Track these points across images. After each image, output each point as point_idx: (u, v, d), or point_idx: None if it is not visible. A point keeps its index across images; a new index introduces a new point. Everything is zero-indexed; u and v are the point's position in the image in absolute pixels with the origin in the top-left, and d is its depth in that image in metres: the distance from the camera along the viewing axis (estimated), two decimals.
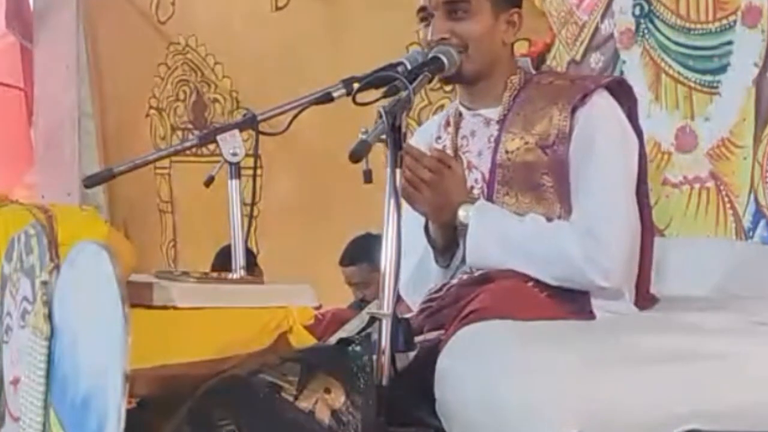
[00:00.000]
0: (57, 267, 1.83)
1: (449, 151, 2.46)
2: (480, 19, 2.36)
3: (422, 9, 2.39)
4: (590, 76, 3.13)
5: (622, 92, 2.38)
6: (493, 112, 2.41)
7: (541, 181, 2.31)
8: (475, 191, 2.39)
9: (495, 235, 2.26)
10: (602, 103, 2.32)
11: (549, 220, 2.28)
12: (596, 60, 3.95)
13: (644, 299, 2.37)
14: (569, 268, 2.22)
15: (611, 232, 2.25)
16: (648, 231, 2.39)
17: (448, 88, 4.22)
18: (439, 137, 2.52)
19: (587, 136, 2.29)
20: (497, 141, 2.37)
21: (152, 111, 6.07)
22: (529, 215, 2.29)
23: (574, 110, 2.30)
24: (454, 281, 2.39)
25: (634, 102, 2.39)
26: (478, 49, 2.36)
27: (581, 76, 2.66)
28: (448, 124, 2.50)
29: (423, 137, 2.57)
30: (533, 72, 2.45)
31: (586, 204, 2.27)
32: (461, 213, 2.29)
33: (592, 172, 2.28)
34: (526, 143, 2.33)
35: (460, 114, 2.47)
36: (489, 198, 2.36)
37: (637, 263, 2.35)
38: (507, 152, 2.35)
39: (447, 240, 2.37)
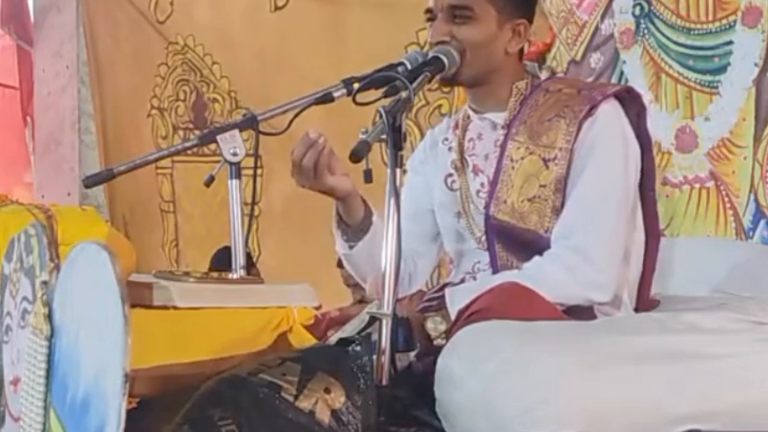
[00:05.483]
0: (57, 267, 1.83)
1: (455, 153, 2.46)
2: (482, 26, 2.35)
3: (429, 10, 2.38)
4: (599, 85, 3.11)
5: (630, 100, 2.36)
6: (500, 117, 2.40)
7: (539, 192, 2.30)
8: (481, 195, 2.39)
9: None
10: (608, 113, 2.30)
11: (536, 237, 2.29)
12: (596, 60, 3.95)
13: (645, 303, 2.38)
14: (566, 297, 2.22)
15: (599, 247, 2.24)
16: (653, 238, 2.38)
17: (446, 89, 4.25)
18: (446, 138, 2.52)
19: (587, 149, 2.28)
20: (503, 146, 2.37)
21: (154, 111, 6.08)
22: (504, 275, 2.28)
23: (580, 124, 2.30)
24: (455, 282, 2.40)
25: (642, 109, 2.38)
26: (475, 56, 2.34)
27: (590, 85, 2.64)
28: (456, 126, 2.50)
29: (432, 138, 2.58)
30: (541, 77, 2.44)
31: (575, 217, 2.26)
32: (430, 325, 2.26)
33: (585, 186, 2.26)
34: (531, 153, 2.32)
35: (468, 116, 2.47)
36: (490, 201, 2.35)
37: (638, 270, 2.35)
38: (512, 160, 2.35)
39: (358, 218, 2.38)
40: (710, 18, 3.58)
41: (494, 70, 2.39)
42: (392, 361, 2.03)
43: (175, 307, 2.15)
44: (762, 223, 3.41)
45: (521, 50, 2.43)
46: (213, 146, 2.41)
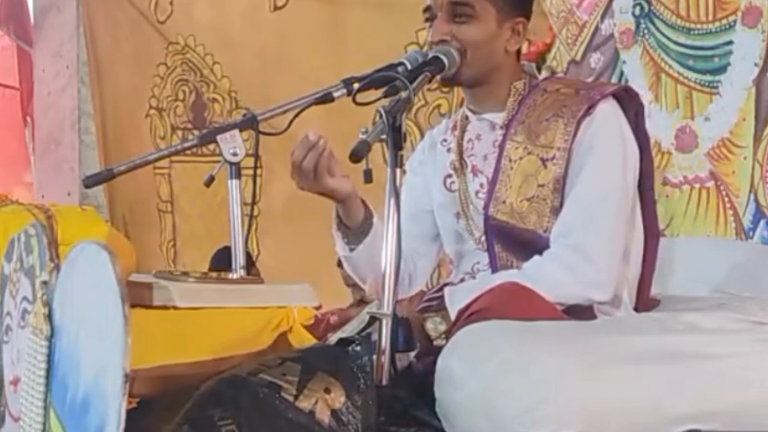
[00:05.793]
0: (57, 267, 1.83)
1: (453, 154, 2.46)
2: (482, 25, 2.34)
3: (427, 9, 2.38)
4: (597, 84, 3.10)
5: (628, 99, 2.36)
6: (498, 117, 2.40)
7: (537, 192, 2.30)
8: (480, 195, 2.39)
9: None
10: (606, 113, 2.30)
11: (536, 236, 2.29)
12: (596, 60, 3.95)
13: (645, 303, 2.38)
14: (566, 296, 2.22)
15: (598, 246, 2.24)
16: (653, 237, 2.38)
17: (445, 89, 4.25)
18: (444, 140, 2.52)
19: (585, 148, 2.28)
20: (501, 147, 2.37)
21: (152, 111, 6.08)
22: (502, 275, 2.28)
23: (578, 123, 2.29)
24: (455, 282, 2.40)
25: (640, 108, 2.38)
26: (476, 55, 2.34)
27: (587, 84, 2.64)
28: (455, 127, 2.50)
29: (431, 140, 2.58)
30: (539, 77, 2.44)
31: (574, 217, 2.26)
32: (430, 326, 2.26)
33: (583, 186, 2.26)
34: (529, 153, 2.32)
35: (467, 117, 2.47)
36: (489, 201, 2.35)
37: (637, 269, 2.35)
38: (510, 160, 2.35)
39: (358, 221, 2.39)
40: (710, 18, 3.58)
41: (494, 70, 2.38)
42: (392, 361, 2.03)
43: (175, 307, 2.15)
44: (762, 223, 3.41)
45: (519, 50, 2.43)
46: (212, 146, 2.42)
